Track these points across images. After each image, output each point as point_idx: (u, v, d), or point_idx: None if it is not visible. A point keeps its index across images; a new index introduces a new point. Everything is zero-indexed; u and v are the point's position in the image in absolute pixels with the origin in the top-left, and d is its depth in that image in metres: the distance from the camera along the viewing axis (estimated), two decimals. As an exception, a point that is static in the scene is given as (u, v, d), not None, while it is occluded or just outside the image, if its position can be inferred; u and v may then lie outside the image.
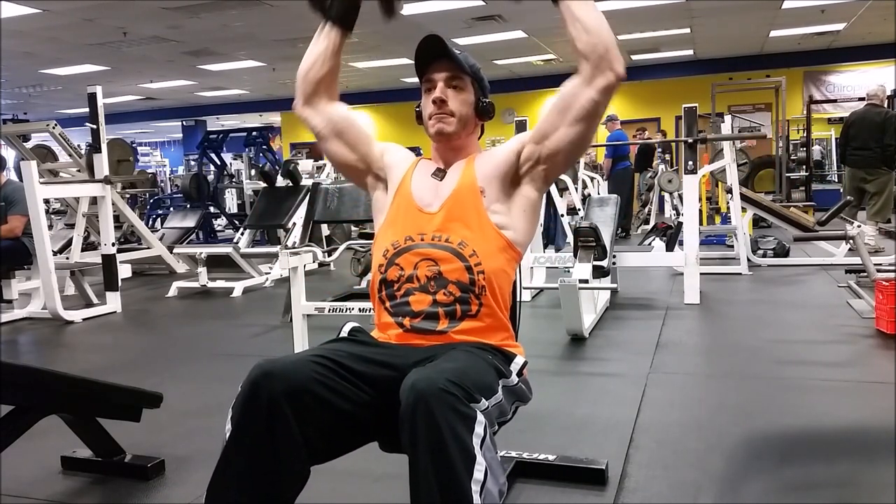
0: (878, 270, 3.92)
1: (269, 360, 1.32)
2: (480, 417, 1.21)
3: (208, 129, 14.95)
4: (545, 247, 6.15)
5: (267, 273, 6.46)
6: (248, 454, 1.26)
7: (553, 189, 5.69)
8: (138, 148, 18.80)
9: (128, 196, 9.92)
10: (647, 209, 9.71)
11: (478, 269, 1.49)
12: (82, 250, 6.23)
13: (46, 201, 6.61)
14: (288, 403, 1.26)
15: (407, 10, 8.14)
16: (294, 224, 6.43)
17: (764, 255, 6.30)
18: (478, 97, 1.62)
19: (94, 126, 5.18)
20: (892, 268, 4.22)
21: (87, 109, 5.30)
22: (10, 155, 8.88)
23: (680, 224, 5.64)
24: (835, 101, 11.69)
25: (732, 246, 6.73)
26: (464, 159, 1.62)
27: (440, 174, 1.62)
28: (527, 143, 1.57)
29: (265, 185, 7.18)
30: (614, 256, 4.59)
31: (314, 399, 1.29)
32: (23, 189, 4.72)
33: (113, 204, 5.46)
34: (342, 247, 5.07)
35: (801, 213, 6.69)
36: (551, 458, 2.07)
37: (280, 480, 1.27)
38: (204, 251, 6.16)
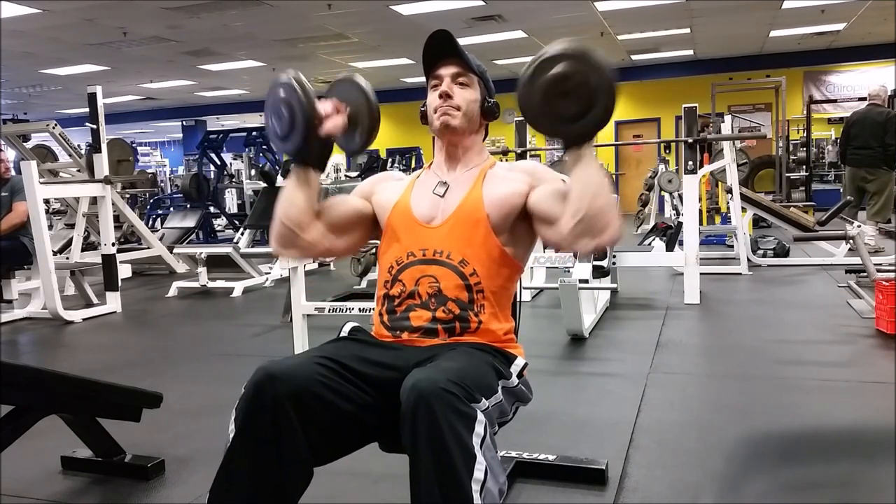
0: (878, 270, 3.92)
1: (272, 361, 1.31)
2: (481, 417, 1.21)
3: (208, 129, 14.94)
4: (545, 247, 6.14)
5: (267, 273, 6.45)
6: (252, 455, 1.26)
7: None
8: (138, 148, 18.79)
9: (128, 196, 9.92)
10: (647, 209, 9.70)
11: (477, 287, 1.48)
12: (82, 250, 6.23)
13: (46, 201, 6.61)
14: (291, 405, 1.26)
15: (407, 10, 8.14)
16: (294, 224, 6.42)
17: (764, 255, 6.30)
18: (483, 96, 1.61)
19: (94, 126, 5.18)
20: (892, 268, 4.22)
21: (87, 109, 5.30)
22: (10, 155, 8.88)
23: (680, 224, 5.64)
24: (835, 101, 11.70)
25: (732, 246, 6.73)
26: (469, 171, 1.59)
27: (443, 188, 1.58)
28: (528, 197, 1.52)
29: (265, 184, 7.18)
30: (614, 256, 4.59)
31: (317, 400, 1.29)
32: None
33: (113, 204, 5.47)
34: (342, 247, 5.07)
35: (801, 213, 6.69)
36: (551, 458, 2.07)
37: (283, 481, 1.27)
38: (204, 251, 6.16)
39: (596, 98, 1.31)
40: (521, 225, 1.55)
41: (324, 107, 1.51)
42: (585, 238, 1.36)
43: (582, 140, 1.37)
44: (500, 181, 1.56)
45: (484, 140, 1.69)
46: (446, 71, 1.57)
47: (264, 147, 10.20)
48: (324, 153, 1.56)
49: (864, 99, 7.49)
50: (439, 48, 1.57)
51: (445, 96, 1.56)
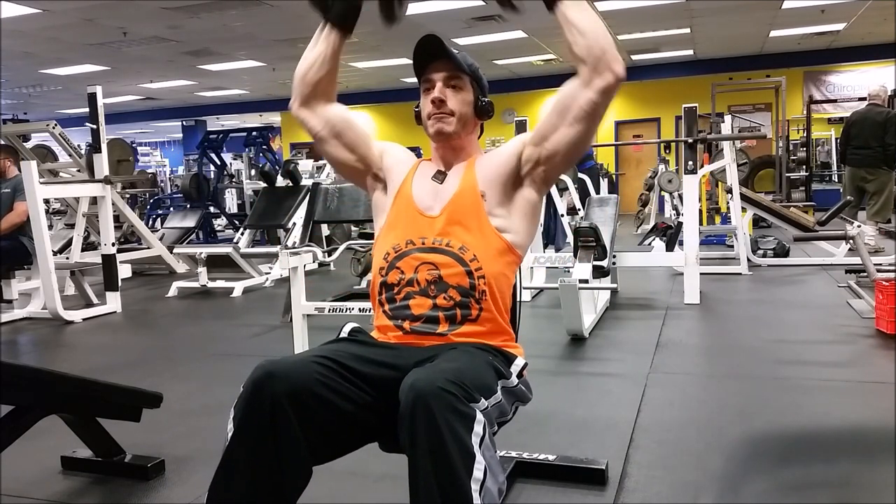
0: (878, 270, 3.91)
1: (271, 360, 1.31)
2: (479, 417, 1.21)
3: (208, 129, 14.95)
4: (545, 247, 6.15)
5: (267, 273, 6.46)
6: (251, 454, 1.26)
7: (553, 189, 5.69)
8: (138, 148, 18.80)
9: (128, 196, 9.93)
10: (647, 209, 9.71)
11: (478, 273, 1.49)
12: (82, 250, 6.22)
13: (46, 201, 6.61)
14: (290, 404, 1.26)
15: (407, 9, 8.13)
16: (294, 224, 6.43)
17: (764, 255, 6.30)
18: (477, 96, 1.62)
19: (94, 126, 5.18)
20: (892, 268, 4.22)
21: (87, 109, 5.30)
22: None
23: (680, 224, 5.64)
24: (835, 101, 11.70)
25: (732, 246, 6.73)
26: (464, 161, 1.62)
27: (440, 177, 1.61)
28: (527, 145, 1.57)
29: (265, 185, 7.19)
30: (614, 256, 4.59)
31: (316, 399, 1.29)
32: None
33: (113, 204, 5.47)
34: (342, 247, 5.07)
35: (801, 213, 6.69)
36: (551, 458, 2.07)
37: (282, 480, 1.27)
38: (204, 251, 6.16)
39: None
40: (519, 195, 1.58)
41: None
42: (605, 73, 1.42)
43: None
44: (491, 156, 1.62)
45: (479, 137, 1.71)
46: (438, 74, 1.58)
47: (264, 147, 10.21)
48: (346, 12, 1.61)
49: (864, 99, 7.49)
50: (429, 51, 1.58)
51: (439, 102, 1.57)
